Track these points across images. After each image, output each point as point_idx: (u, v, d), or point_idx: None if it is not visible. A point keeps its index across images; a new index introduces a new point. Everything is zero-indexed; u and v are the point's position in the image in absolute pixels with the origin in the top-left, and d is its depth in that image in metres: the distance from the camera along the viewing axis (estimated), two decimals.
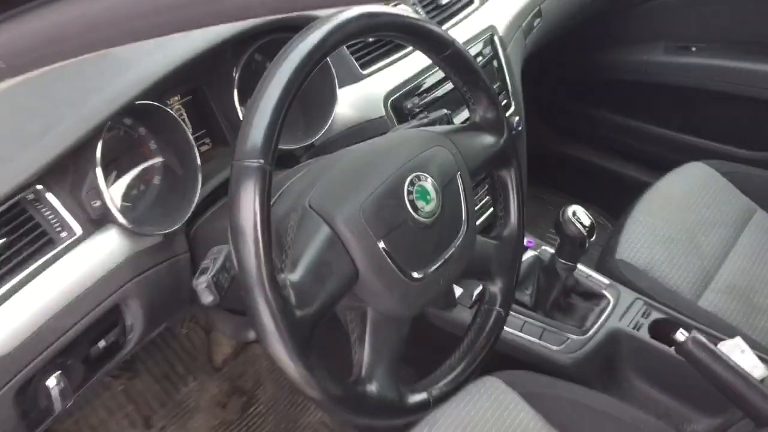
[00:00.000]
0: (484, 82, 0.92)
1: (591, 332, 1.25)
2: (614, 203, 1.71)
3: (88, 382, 0.89)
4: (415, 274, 0.80)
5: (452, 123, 1.05)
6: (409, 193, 0.80)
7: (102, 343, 0.88)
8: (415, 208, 0.80)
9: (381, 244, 0.77)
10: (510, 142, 0.95)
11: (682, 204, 1.55)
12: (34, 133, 0.81)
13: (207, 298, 0.75)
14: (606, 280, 1.33)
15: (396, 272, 0.78)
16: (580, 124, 2.01)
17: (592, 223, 1.20)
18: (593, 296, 1.31)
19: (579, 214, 1.21)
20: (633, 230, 1.48)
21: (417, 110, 1.17)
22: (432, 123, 1.00)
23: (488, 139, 0.93)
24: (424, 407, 0.84)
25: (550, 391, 1.18)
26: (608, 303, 1.29)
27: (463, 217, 0.86)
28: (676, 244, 1.46)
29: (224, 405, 1.61)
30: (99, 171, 0.85)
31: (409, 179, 0.81)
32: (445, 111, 1.04)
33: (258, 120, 0.69)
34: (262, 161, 0.68)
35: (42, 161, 0.81)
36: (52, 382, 0.81)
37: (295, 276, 0.73)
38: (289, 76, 0.71)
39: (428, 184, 0.82)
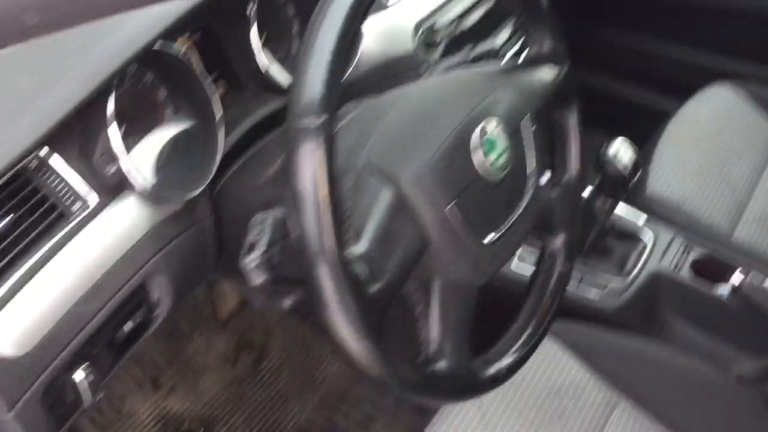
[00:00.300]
0: (543, 8, 0.81)
1: (632, 276, 1.18)
2: (633, 132, 1.62)
3: (115, 368, 0.80)
4: (488, 238, 0.71)
5: (501, 56, 0.94)
6: (479, 145, 0.70)
7: (128, 326, 0.78)
8: (486, 163, 0.70)
9: (452, 207, 0.67)
10: (571, 77, 0.85)
11: (711, 130, 1.47)
12: (35, 90, 0.69)
13: (259, 278, 0.65)
14: (642, 219, 1.26)
15: (469, 237, 0.69)
16: (592, 47, 1.89)
17: (638, 159, 1.12)
18: (630, 236, 1.24)
19: (623, 150, 1.12)
20: (662, 162, 1.40)
21: (449, 42, 1.05)
22: (479, 58, 0.89)
23: (548, 75, 0.83)
24: (497, 381, 0.76)
25: (594, 340, 1.13)
26: (647, 243, 1.22)
27: (531, 168, 0.76)
28: (707, 174, 1.39)
29: (234, 361, 1.53)
30: (114, 130, 0.73)
31: (476, 130, 0.71)
32: (493, 43, 0.93)
33: (315, 68, 0.58)
34: (324, 117, 0.58)
35: (47, 122, 0.68)
36: (79, 375, 0.72)
37: (360, 248, 0.63)
38: (348, 7, 0.59)
39: (498, 134, 0.72)
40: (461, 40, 1.06)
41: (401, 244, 0.66)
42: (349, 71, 0.97)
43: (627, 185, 1.14)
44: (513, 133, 0.74)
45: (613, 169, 1.11)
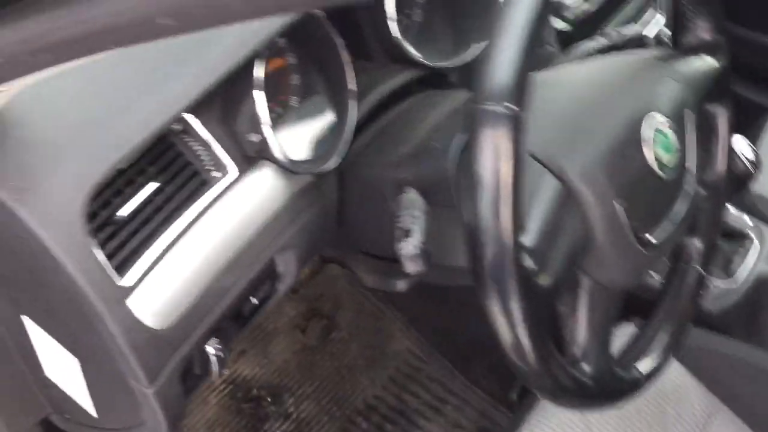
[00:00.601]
0: None
1: (740, 278, 1.14)
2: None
3: (237, 338, 0.77)
4: (652, 240, 0.67)
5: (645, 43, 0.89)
6: (651, 140, 0.66)
7: (253, 299, 0.76)
8: (658, 159, 0.66)
9: (621, 205, 0.63)
10: (729, 70, 0.80)
11: None
12: (183, 57, 0.65)
13: (415, 267, 0.62)
14: (750, 219, 1.20)
15: (633, 238, 0.65)
16: None
17: (758, 157, 1.06)
18: (736, 237, 1.19)
19: (742, 147, 1.07)
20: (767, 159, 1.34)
21: (579, 23, 1.00)
22: (625, 44, 0.84)
23: (707, 66, 0.78)
24: (638, 386, 0.73)
25: (696, 343, 1.08)
26: (754, 244, 1.17)
27: (691, 166, 0.72)
28: None
29: (303, 329, 1.51)
30: (260, 96, 0.69)
31: (646, 123, 0.66)
32: (638, 29, 0.87)
33: (511, 50, 0.54)
34: (518, 105, 0.53)
35: (195, 89, 0.65)
36: (211, 349, 0.69)
37: (527, 240, 0.59)
38: None
39: (668, 128, 0.67)
40: (591, 21, 1.01)
41: (567, 238, 0.62)
42: (484, 44, 0.92)
43: (746, 183, 1.08)
44: (679, 127, 0.69)
45: (737, 167, 1.06)
